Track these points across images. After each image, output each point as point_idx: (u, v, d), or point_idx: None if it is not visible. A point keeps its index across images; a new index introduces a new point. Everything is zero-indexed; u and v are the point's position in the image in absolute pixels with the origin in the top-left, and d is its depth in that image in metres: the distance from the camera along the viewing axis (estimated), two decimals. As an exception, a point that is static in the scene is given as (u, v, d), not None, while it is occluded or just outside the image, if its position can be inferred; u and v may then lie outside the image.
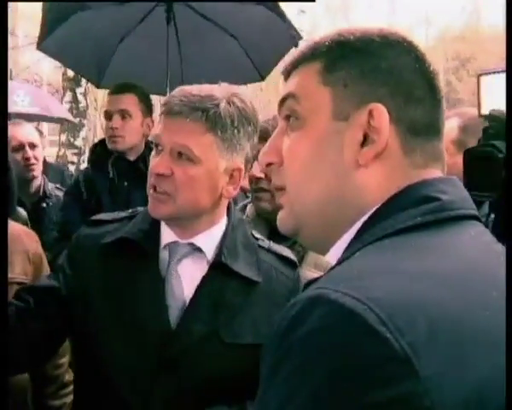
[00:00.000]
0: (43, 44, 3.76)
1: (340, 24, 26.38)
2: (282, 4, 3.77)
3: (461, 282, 0.63)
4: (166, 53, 3.54)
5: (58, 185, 3.52)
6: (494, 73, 2.05)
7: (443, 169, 0.80)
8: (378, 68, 0.77)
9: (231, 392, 1.35)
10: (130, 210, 1.55)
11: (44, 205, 3.25)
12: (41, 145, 3.36)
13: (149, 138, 2.90)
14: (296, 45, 3.80)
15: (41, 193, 3.29)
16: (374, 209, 0.74)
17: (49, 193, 3.32)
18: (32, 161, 3.17)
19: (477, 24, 27.68)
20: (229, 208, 1.49)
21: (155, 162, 1.35)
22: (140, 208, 1.54)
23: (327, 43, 0.80)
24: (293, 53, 0.87)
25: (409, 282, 0.61)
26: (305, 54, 0.82)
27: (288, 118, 0.82)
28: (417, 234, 0.69)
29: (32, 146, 3.19)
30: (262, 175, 1.88)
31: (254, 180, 1.94)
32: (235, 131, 1.36)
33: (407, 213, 0.71)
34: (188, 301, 1.38)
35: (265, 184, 1.90)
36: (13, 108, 6.42)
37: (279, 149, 0.83)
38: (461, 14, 27.73)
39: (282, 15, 3.66)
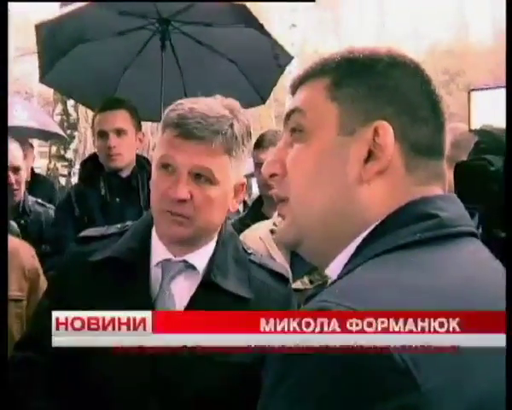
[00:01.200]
0: (46, 77, 3.82)
1: (330, 37, 26.53)
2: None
3: (460, 297, 0.65)
4: (161, 80, 3.56)
5: (39, 200, 3.42)
6: (484, 89, 2.10)
7: (444, 187, 0.81)
8: (385, 87, 0.79)
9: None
10: (119, 225, 1.53)
11: (22, 222, 3.14)
12: (25, 166, 3.24)
13: (141, 154, 2.90)
14: (280, 65, 3.82)
15: (20, 210, 3.21)
16: (375, 224, 0.75)
17: (29, 209, 3.24)
18: (14, 186, 3.08)
19: (466, 39, 27.94)
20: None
21: (173, 188, 1.33)
22: (129, 223, 1.52)
23: (336, 60, 0.82)
24: (300, 69, 0.88)
25: (409, 296, 0.63)
26: (314, 69, 0.84)
27: (293, 131, 0.84)
28: (417, 250, 0.70)
29: (15, 170, 3.09)
30: None
31: None
32: (244, 148, 1.39)
33: (407, 230, 0.72)
34: None
35: None
36: (12, 121, 6.39)
37: (283, 161, 0.84)
38: (450, 28, 27.99)
39: (267, 35, 3.69)
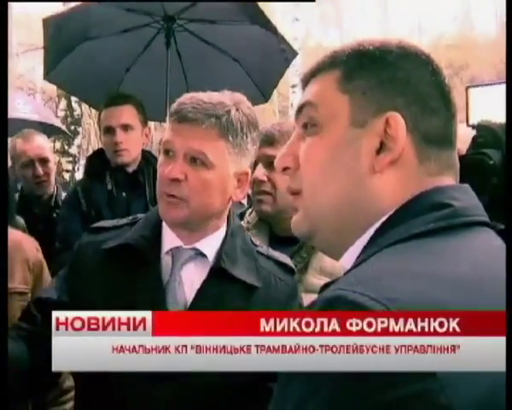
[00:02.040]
0: (50, 75, 3.83)
1: (333, 32, 26.46)
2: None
3: (473, 286, 0.66)
4: (166, 77, 3.56)
5: None
6: (481, 85, 2.13)
7: (455, 178, 0.82)
8: (396, 78, 0.79)
9: (230, 399, 1.37)
10: (130, 217, 1.56)
11: (54, 215, 3.18)
12: (53, 157, 3.27)
13: (147, 149, 2.91)
14: (286, 60, 3.81)
15: (52, 203, 3.23)
16: (388, 215, 0.76)
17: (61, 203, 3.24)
18: (43, 178, 3.12)
19: (470, 32, 27.80)
20: (228, 214, 1.51)
21: (169, 168, 1.37)
22: (140, 215, 1.55)
23: (346, 53, 0.83)
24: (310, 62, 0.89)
25: (424, 284, 0.63)
26: (325, 62, 0.84)
27: (305, 125, 0.84)
28: (431, 239, 0.71)
29: (43, 161, 3.13)
30: (265, 178, 1.91)
31: (257, 183, 1.96)
32: (244, 136, 1.41)
33: (421, 219, 0.73)
34: (189, 305, 1.40)
35: (268, 186, 1.93)
36: (14, 113, 6.38)
37: (296, 154, 0.85)
38: (454, 22, 27.87)
39: (274, 31, 3.69)
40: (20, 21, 15.72)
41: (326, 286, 0.70)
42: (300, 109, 0.86)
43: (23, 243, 1.98)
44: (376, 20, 28.71)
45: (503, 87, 1.38)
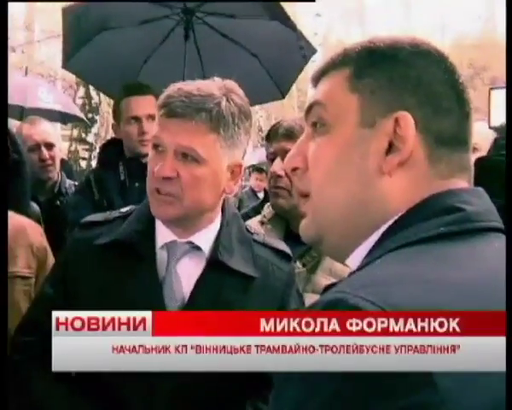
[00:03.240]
0: (68, 63, 3.85)
1: (355, 28, 26.33)
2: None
3: (483, 294, 0.63)
4: (183, 70, 3.54)
5: (77, 183, 3.41)
6: (504, 87, 2.11)
7: (469, 180, 0.80)
8: (407, 77, 0.77)
9: (229, 392, 1.37)
10: (122, 209, 1.54)
11: (58, 203, 3.19)
12: (59, 143, 3.32)
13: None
14: (305, 57, 3.79)
15: (56, 190, 3.24)
16: (396, 217, 0.74)
17: (65, 191, 3.26)
18: (48, 162, 3.14)
19: (493, 32, 27.54)
20: (223, 205, 1.49)
21: (159, 166, 1.34)
22: (132, 207, 1.53)
23: (357, 50, 0.80)
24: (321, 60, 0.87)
25: (429, 291, 0.61)
26: (335, 60, 0.82)
27: (314, 124, 0.82)
28: (440, 244, 0.69)
29: (49, 146, 3.15)
30: (282, 173, 1.89)
31: (274, 177, 1.94)
32: (236, 128, 1.38)
33: (430, 223, 0.71)
34: (187, 299, 1.39)
35: (285, 182, 1.91)
36: (38, 103, 6.41)
37: (305, 155, 0.83)
38: (477, 21, 27.64)
39: (293, 27, 3.66)
40: (42, 8, 15.81)
41: (329, 287, 0.69)
42: (310, 109, 0.84)
43: (27, 229, 1.99)
44: (398, 17, 28.54)
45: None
